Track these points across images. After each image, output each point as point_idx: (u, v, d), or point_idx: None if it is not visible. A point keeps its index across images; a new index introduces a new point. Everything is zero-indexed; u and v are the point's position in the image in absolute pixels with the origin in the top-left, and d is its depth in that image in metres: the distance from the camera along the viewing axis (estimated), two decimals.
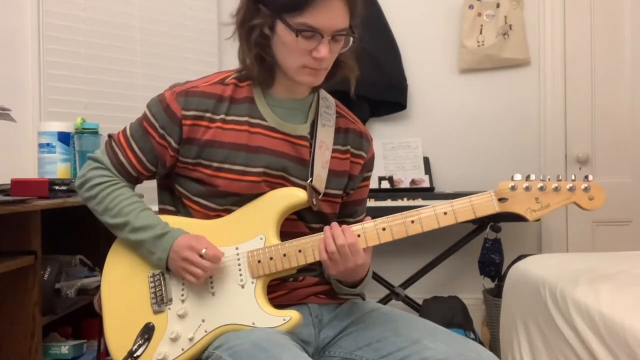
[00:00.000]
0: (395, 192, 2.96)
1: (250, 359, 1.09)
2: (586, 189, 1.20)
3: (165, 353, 1.23)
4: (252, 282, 1.23)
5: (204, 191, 1.29)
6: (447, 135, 3.24)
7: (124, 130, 1.35)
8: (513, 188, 1.20)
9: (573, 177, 1.21)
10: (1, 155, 2.30)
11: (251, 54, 1.26)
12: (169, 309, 1.26)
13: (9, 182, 1.76)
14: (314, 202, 1.27)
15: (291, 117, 1.32)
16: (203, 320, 1.23)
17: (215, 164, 1.27)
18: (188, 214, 1.32)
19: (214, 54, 3.10)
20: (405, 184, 3.07)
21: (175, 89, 1.30)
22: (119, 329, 1.29)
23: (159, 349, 1.24)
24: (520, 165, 3.07)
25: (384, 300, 2.89)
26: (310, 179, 1.29)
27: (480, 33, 3.15)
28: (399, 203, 2.73)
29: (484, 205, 1.19)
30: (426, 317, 1.82)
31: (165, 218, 1.31)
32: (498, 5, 3.14)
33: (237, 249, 1.25)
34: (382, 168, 3.11)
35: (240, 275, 1.24)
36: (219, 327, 1.22)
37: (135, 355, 1.24)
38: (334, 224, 1.21)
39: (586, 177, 1.21)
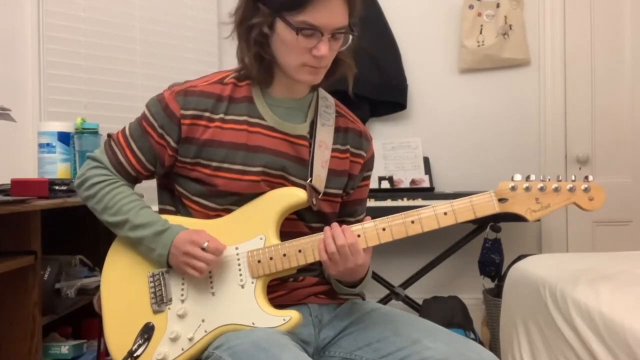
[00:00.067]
0: (395, 192, 2.96)
1: (250, 359, 1.09)
2: (586, 190, 1.20)
3: (165, 353, 1.23)
4: (252, 282, 1.23)
5: (203, 191, 1.28)
6: (447, 135, 3.24)
7: (123, 130, 1.35)
8: (513, 188, 1.20)
9: (573, 178, 1.21)
10: (1, 155, 2.31)
11: (250, 53, 1.26)
12: (169, 308, 1.26)
13: (9, 182, 1.76)
14: (314, 202, 1.27)
15: (290, 116, 1.32)
16: (203, 320, 1.23)
17: (214, 164, 1.26)
18: (188, 214, 1.32)
19: (214, 54, 3.10)
20: (405, 184, 3.07)
21: (174, 88, 1.30)
22: (118, 328, 1.29)
23: (159, 348, 1.24)
24: (520, 166, 3.07)
25: (384, 300, 2.89)
26: (309, 179, 1.29)
27: (480, 33, 3.14)
28: (399, 203, 2.72)
29: (484, 205, 1.19)
30: (426, 317, 1.81)
31: (165, 218, 1.30)
32: (498, 5, 3.14)
33: (237, 248, 1.25)
34: (382, 168, 3.11)
35: (240, 275, 1.24)
36: (218, 327, 1.22)
37: (135, 355, 1.24)
38: (334, 224, 1.21)
39: (586, 177, 1.21)
